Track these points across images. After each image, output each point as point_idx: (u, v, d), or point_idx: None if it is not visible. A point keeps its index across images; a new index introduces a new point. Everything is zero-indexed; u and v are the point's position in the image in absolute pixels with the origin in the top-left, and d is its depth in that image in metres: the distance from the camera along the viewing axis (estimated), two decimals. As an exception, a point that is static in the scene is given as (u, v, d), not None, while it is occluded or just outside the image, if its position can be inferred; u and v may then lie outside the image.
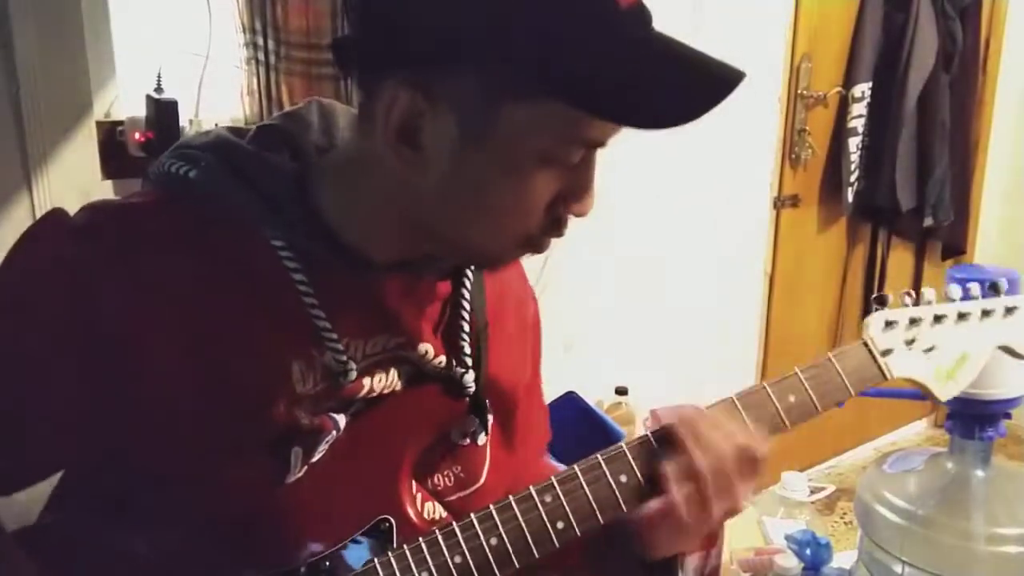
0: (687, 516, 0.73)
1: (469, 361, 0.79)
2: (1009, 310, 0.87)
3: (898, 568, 1.08)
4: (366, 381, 0.75)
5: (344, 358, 0.72)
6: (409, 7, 0.64)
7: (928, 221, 2.87)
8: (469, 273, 0.80)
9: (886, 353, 0.84)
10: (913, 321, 0.84)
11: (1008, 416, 1.08)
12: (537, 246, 0.71)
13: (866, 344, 0.83)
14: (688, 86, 0.63)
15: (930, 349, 0.85)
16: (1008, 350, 0.88)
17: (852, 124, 2.71)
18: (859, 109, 2.70)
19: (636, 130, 0.63)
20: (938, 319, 0.85)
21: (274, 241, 0.70)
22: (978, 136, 3.13)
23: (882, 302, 0.85)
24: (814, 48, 2.63)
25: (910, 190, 2.80)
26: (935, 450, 1.17)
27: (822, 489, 1.57)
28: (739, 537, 1.30)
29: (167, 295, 0.68)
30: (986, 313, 0.86)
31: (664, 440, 0.75)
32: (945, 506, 1.06)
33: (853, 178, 2.74)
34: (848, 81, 2.71)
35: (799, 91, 2.64)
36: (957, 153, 2.92)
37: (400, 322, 0.76)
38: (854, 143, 2.72)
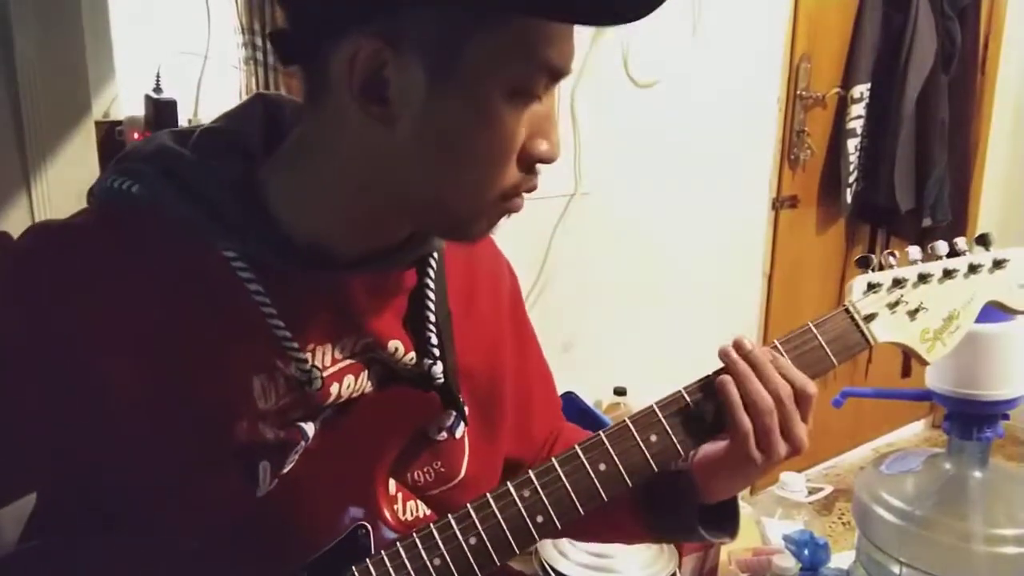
0: (754, 450, 0.74)
1: (436, 352, 0.77)
2: (998, 263, 0.83)
3: (896, 569, 1.08)
4: (334, 388, 0.73)
5: (308, 366, 0.70)
6: None
7: (927, 222, 2.87)
8: (432, 262, 0.78)
9: (869, 318, 0.80)
10: (897, 282, 0.80)
11: (1006, 417, 1.08)
12: (513, 201, 0.69)
13: (847, 310, 0.80)
14: None
15: (916, 311, 0.80)
16: (998, 305, 0.84)
17: (851, 125, 2.71)
18: (858, 110, 2.70)
19: (595, 27, 0.63)
20: (923, 278, 0.81)
21: (226, 252, 0.68)
22: (977, 137, 3.13)
23: (865, 264, 0.81)
24: (813, 49, 2.63)
25: (909, 191, 2.80)
26: (933, 451, 1.17)
27: (820, 490, 1.56)
28: (737, 537, 1.30)
29: (117, 316, 0.66)
30: (973, 268, 0.82)
31: (705, 392, 0.76)
32: (943, 507, 1.06)
33: (852, 179, 2.74)
34: (847, 82, 2.71)
35: (798, 92, 2.64)
36: (956, 154, 2.92)
37: (367, 321, 0.73)
38: (853, 144, 2.72)
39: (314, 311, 0.72)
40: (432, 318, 0.77)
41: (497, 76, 0.63)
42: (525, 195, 0.70)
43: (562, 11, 0.62)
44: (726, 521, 0.85)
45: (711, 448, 0.80)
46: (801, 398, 0.75)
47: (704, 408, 0.76)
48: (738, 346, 0.76)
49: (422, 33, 0.62)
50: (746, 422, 0.74)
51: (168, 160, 0.71)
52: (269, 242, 0.69)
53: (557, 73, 0.66)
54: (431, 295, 0.78)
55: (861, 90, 2.69)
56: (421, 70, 0.62)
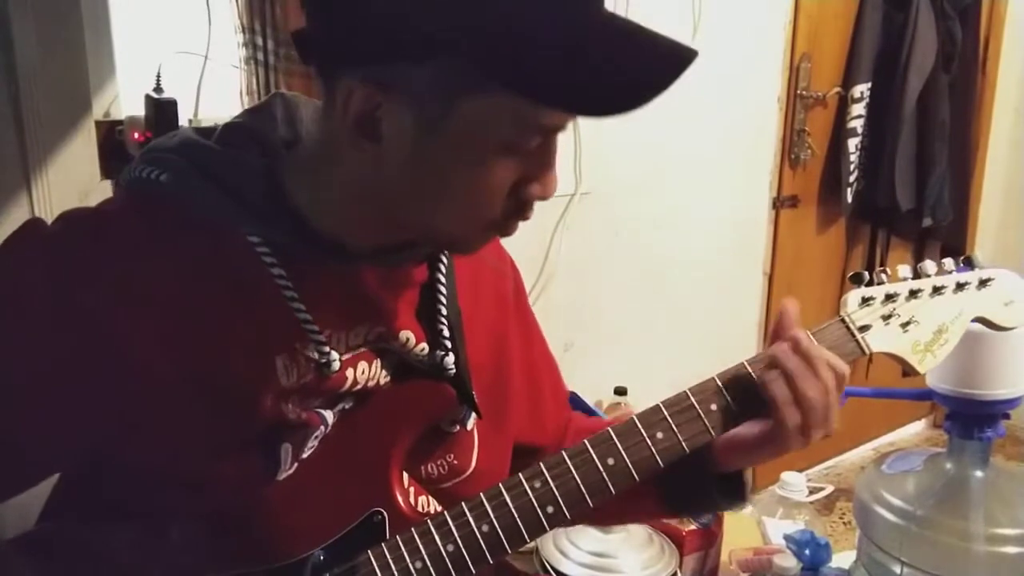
0: (797, 438, 0.76)
1: (448, 344, 0.80)
2: (983, 282, 0.87)
3: (897, 568, 1.08)
4: (349, 373, 0.75)
5: (327, 349, 0.73)
6: (359, 6, 0.63)
7: (927, 221, 2.87)
8: (444, 257, 0.81)
9: (863, 329, 0.84)
10: (889, 297, 0.85)
11: (1007, 416, 1.08)
12: (503, 230, 0.72)
13: (843, 320, 0.84)
14: (637, 70, 0.63)
15: (907, 323, 0.85)
16: (984, 321, 0.88)
17: (851, 124, 2.71)
18: (858, 109, 2.70)
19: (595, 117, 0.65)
20: (913, 294, 0.85)
21: (250, 237, 0.71)
22: (977, 136, 3.13)
23: (859, 280, 0.86)
24: (813, 48, 2.63)
25: (909, 190, 2.80)
26: (934, 450, 1.17)
27: (821, 489, 1.57)
28: (738, 537, 1.30)
29: (145, 298, 0.68)
30: (960, 286, 0.87)
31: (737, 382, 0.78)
32: (944, 506, 1.07)
33: (852, 178, 2.74)
34: (847, 81, 2.71)
35: (798, 91, 2.64)
36: (956, 153, 2.92)
37: (380, 310, 0.76)
38: (853, 143, 2.72)
39: (330, 298, 0.74)
40: (444, 311, 0.80)
41: (488, 135, 0.65)
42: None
43: (552, 101, 0.63)
44: (737, 488, 0.87)
45: (737, 430, 0.81)
46: (840, 384, 0.78)
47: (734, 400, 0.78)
48: (795, 343, 0.77)
49: (415, 87, 0.63)
50: (796, 417, 0.76)
51: (194, 151, 0.73)
52: (292, 230, 0.71)
53: (552, 132, 0.68)
54: (443, 289, 0.80)
55: (861, 89, 2.69)
56: (412, 120, 0.64)
